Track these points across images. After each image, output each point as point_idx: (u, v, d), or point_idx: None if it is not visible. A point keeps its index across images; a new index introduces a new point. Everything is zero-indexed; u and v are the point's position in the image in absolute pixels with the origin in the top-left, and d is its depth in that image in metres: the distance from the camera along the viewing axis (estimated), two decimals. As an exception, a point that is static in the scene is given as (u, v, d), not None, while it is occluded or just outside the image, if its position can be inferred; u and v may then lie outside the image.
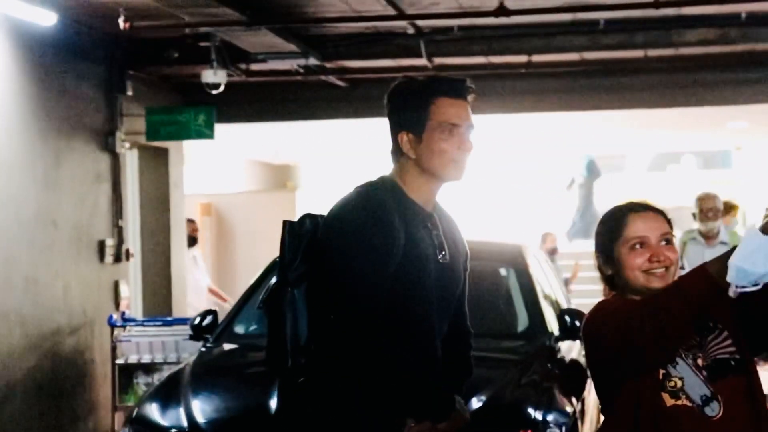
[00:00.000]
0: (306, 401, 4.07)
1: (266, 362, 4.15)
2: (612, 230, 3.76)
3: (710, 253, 10.19)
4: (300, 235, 4.04)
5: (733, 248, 3.44)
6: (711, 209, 10.44)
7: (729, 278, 3.34)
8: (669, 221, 3.79)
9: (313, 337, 3.99)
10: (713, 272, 3.38)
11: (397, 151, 3.99)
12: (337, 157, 20.74)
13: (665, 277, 3.68)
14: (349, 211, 3.93)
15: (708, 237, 10.35)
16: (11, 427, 8.89)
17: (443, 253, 3.97)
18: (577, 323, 7.53)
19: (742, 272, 3.32)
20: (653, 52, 11.17)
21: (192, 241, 13.09)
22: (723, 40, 10.57)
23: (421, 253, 3.90)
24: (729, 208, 10.74)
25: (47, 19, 8.75)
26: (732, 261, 3.33)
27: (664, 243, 3.71)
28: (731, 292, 3.35)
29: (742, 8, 9.88)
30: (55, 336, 9.63)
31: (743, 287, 3.33)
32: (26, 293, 9.17)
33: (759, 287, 3.33)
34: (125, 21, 9.00)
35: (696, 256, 9.77)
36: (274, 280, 4.15)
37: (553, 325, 7.45)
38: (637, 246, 3.69)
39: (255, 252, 15.19)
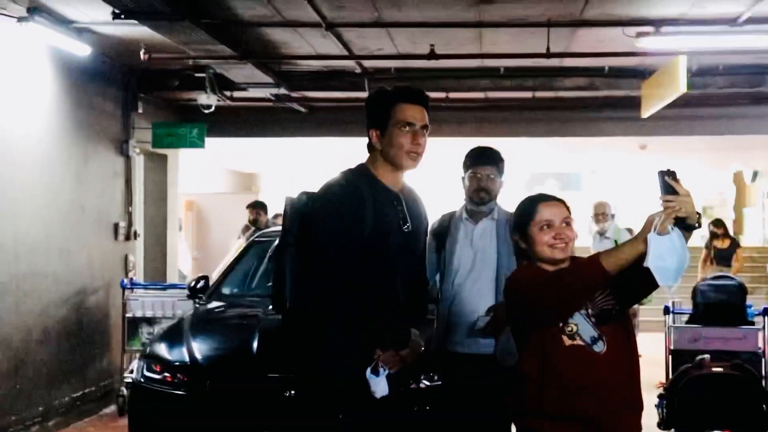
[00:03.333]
0: (292, 338, 4.09)
1: (272, 303, 4.16)
2: (526, 215, 3.84)
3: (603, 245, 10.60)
4: (297, 208, 4.07)
5: (615, 242, 3.56)
6: (602, 213, 10.79)
7: (660, 282, 3.39)
8: (568, 208, 3.89)
9: (296, 288, 4.00)
10: (605, 263, 3.42)
11: (369, 144, 4.04)
12: (291, 168, 20.67)
13: (565, 249, 3.75)
14: (329, 190, 3.95)
15: (601, 233, 10.75)
16: (48, 361, 8.78)
17: (407, 224, 4.01)
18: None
19: (661, 271, 3.35)
20: (539, 94, 11.25)
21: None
22: (590, 86, 10.62)
23: (387, 224, 3.93)
24: (602, 213, 11.02)
25: (83, 51, 8.67)
26: (650, 264, 3.34)
27: (565, 225, 3.79)
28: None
29: (606, 62, 9.99)
30: (80, 294, 9.50)
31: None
32: (60, 260, 9.05)
33: None
34: (145, 53, 8.95)
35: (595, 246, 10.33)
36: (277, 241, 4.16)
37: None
38: (545, 227, 3.76)
39: (225, 238, 15.13)
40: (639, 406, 3.74)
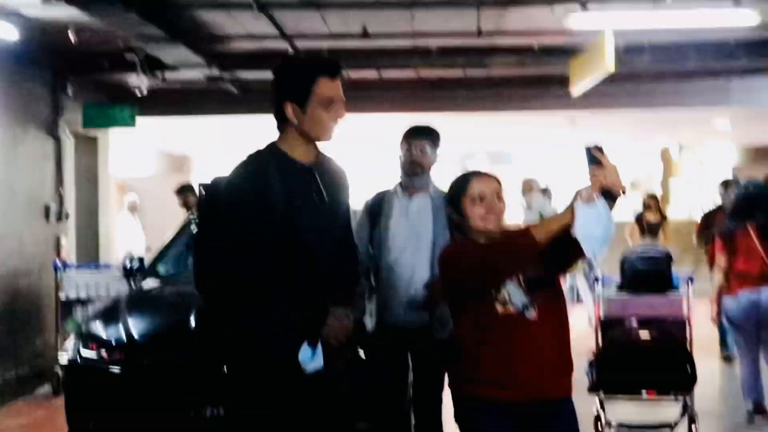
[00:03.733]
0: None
1: (197, 290, 3.92)
2: (459, 189, 3.95)
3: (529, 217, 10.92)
4: (210, 194, 3.93)
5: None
6: (529, 188, 11.09)
7: (587, 252, 3.50)
8: (500, 183, 3.98)
9: (213, 277, 3.75)
10: (535, 234, 3.52)
11: (282, 118, 3.74)
12: (221, 150, 20.56)
13: (497, 221, 3.86)
14: (233, 174, 3.71)
15: (528, 206, 11.06)
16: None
17: (323, 199, 3.76)
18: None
19: (588, 239, 3.45)
20: (471, 72, 11.37)
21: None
22: (520, 64, 10.76)
23: (299, 201, 3.69)
24: (529, 188, 11.26)
25: (11, 34, 8.58)
26: (577, 233, 3.44)
27: (497, 198, 3.92)
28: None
29: (535, 41, 10.10)
30: (13, 276, 9.43)
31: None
32: (-8, 243, 9.00)
33: None
34: (75, 35, 8.85)
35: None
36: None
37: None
38: (478, 200, 3.88)
39: (158, 220, 15.00)
40: (569, 368, 3.87)
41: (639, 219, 13.09)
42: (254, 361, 3.67)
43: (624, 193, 3.53)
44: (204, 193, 4.04)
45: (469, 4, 8.17)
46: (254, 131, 15.17)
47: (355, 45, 9.36)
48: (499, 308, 3.72)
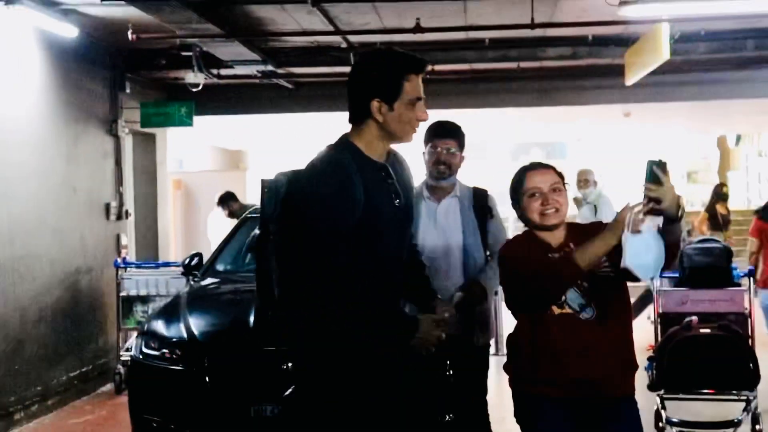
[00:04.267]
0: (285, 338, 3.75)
1: (258, 299, 3.79)
2: (516, 184, 3.94)
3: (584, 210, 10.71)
4: (275, 191, 3.63)
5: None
6: (584, 180, 10.90)
7: (641, 277, 3.50)
8: (560, 174, 3.95)
9: (283, 282, 3.58)
10: (579, 261, 3.51)
11: (364, 113, 3.53)
12: (278, 145, 20.68)
13: (557, 215, 3.83)
14: (312, 170, 3.52)
15: (583, 199, 10.87)
16: (45, 341, 8.85)
17: (398, 199, 3.61)
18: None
19: (640, 268, 3.42)
20: (524, 64, 11.29)
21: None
22: (574, 56, 10.66)
23: (379, 202, 3.52)
24: (585, 180, 11.07)
25: (70, 32, 8.68)
26: (627, 264, 3.40)
27: (554, 191, 3.87)
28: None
29: (589, 31, 10.01)
30: (74, 274, 9.54)
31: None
32: (54, 241, 9.08)
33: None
34: (132, 33, 8.95)
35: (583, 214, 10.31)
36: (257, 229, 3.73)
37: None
38: (535, 194, 3.86)
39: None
40: (632, 367, 3.84)
41: (711, 211, 12.77)
42: (346, 360, 3.50)
43: (681, 216, 3.47)
44: (267, 189, 3.68)
45: (523, -6, 8.13)
46: (309, 125, 15.31)
47: (408, 38, 9.32)
48: (555, 309, 3.73)
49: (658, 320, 7.04)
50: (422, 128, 4.49)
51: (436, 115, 13.45)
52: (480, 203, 5.19)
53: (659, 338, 6.87)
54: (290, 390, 5.70)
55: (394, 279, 3.64)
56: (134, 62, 10.87)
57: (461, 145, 5.17)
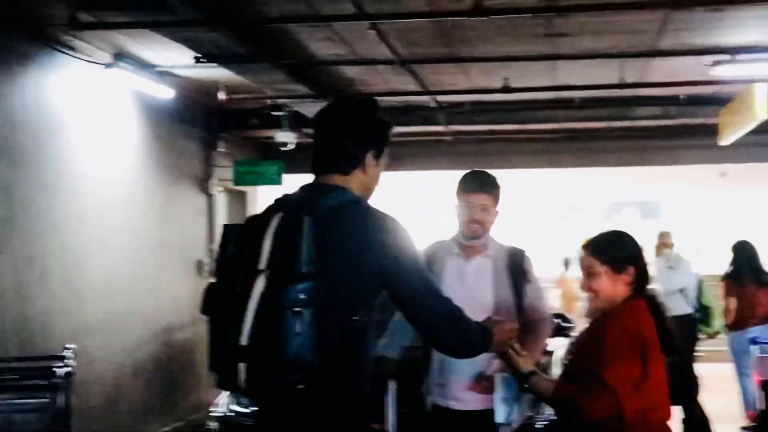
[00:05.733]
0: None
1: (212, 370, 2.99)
2: None
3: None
4: (308, 234, 2.96)
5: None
6: (665, 243, 10.65)
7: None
8: (597, 254, 3.65)
9: (323, 347, 2.82)
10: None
11: (356, 164, 3.27)
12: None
13: (596, 300, 3.63)
14: (387, 216, 3.21)
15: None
16: (141, 396, 9.02)
17: None
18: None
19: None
20: (614, 124, 11.23)
21: None
22: (666, 115, 10.61)
23: None
24: (663, 245, 10.83)
25: (166, 93, 8.93)
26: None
27: (588, 275, 3.61)
28: None
29: (680, 91, 9.97)
30: (168, 330, 9.72)
31: None
32: (148, 297, 9.28)
33: None
34: (225, 95, 9.16)
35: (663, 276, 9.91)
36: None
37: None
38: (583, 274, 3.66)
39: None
40: None
41: None
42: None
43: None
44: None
45: (612, 54, 8.09)
46: (392, 183, 15.37)
47: (497, 98, 9.36)
48: None
49: (759, 386, 6.78)
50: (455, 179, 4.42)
51: (527, 174, 13.28)
52: (515, 264, 4.71)
53: (759, 406, 6.62)
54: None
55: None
56: (227, 122, 11.13)
57: (496, 200, 4.68)
